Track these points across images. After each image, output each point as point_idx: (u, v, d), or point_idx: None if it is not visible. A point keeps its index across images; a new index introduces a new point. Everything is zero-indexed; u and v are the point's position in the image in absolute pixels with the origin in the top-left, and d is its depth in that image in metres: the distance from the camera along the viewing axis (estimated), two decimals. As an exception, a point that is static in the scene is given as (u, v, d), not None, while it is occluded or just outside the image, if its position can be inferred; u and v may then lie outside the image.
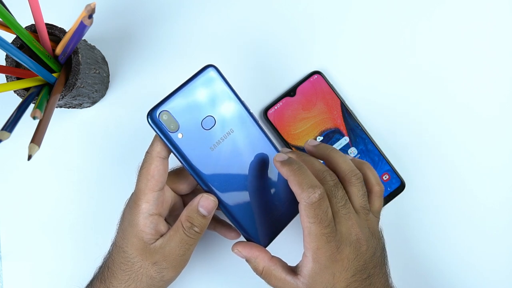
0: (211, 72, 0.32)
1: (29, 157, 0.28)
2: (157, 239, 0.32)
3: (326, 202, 0.30)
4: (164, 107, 0.31)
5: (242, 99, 0.33)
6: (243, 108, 0.33)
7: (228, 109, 0.33)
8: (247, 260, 0.34)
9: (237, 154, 0.33)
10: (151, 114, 0.31)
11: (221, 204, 0.33)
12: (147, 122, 0.31)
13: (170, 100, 0.31)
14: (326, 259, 0.30)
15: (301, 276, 0.32)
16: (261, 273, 0.33)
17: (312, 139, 0.36)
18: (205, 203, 0.32)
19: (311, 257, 0.31)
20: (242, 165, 0.33)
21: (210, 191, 0.33)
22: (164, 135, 0.31)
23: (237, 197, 0.33)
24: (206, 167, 0.32)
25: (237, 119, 0.33)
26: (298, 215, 0.35)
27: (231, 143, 0.33)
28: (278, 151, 0.34)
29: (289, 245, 0.39)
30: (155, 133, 0.32)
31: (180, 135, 0.31)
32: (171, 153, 0.32)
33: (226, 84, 0.33)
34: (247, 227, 0.34)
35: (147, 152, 0.33)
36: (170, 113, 0.31)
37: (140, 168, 0.33)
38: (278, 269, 0.33)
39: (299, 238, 0.40)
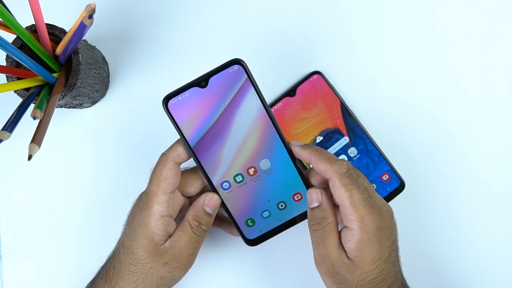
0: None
1: (29, 157, 0.28)
2: (166, 240, 0.32)
3: (353, 172, 0.32)
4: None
5: (265, 98, 0.32)
6: (265, 112, 0.32)
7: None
8: (317, 206, 0.32)
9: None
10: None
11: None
12: (163, 108, 0.31)
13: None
14: (374, 227, 0.30)
15: (347, 251, 0.31)
16: (324, 226, 0.32)
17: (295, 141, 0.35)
18: (210, 202, 0.33)
19: (358, 228, 0.30)
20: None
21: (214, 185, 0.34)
22: (175, 124, 0.32)
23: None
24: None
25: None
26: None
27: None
28: (287, 146, 0.34)
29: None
30: (178, 138, 0.32)
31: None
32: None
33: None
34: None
35: (163, 154, 0.33)
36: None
37: (153, 170, 0.33)
38: (337, 235, 0.32)
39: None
